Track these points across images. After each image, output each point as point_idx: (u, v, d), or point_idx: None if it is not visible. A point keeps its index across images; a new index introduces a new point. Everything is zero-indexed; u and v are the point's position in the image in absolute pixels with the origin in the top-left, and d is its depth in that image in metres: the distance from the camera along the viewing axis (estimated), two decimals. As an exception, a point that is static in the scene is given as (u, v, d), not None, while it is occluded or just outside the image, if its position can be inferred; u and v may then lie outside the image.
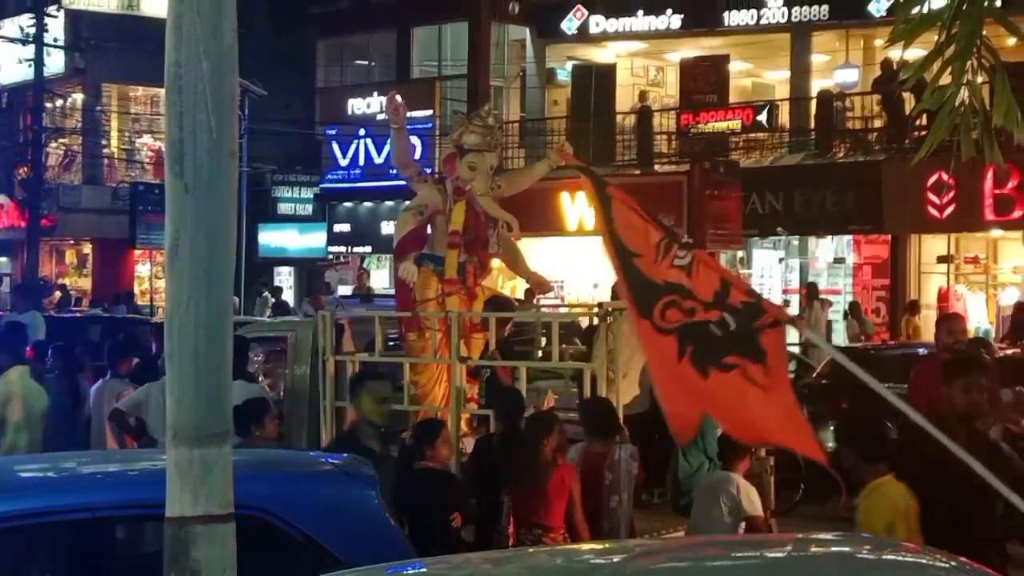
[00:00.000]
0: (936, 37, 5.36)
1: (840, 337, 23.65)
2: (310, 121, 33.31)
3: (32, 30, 31.67)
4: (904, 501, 5.91)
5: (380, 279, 29.58)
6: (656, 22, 28.00)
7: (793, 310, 22.26)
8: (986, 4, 5.36)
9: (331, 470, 5.99)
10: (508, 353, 9.78)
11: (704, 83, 26.41)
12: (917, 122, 20.65)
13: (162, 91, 4.39)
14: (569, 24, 29.01)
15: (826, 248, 25.64)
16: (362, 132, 30.41)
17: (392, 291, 13.68)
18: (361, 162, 30.55)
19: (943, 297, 23.06)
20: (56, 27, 32.97)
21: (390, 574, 4.24)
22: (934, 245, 23.54)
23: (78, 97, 36.28)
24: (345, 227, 31.78)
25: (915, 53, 5.77)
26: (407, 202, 10.96)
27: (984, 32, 5.36)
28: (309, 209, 33.74)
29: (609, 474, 8.00)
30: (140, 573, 5.36)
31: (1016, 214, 21.17)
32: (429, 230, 10.24)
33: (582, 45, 29.66)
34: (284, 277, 34.72)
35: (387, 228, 28.11)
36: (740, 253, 24.53)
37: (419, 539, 6.45)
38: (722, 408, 6.05)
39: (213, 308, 4.26)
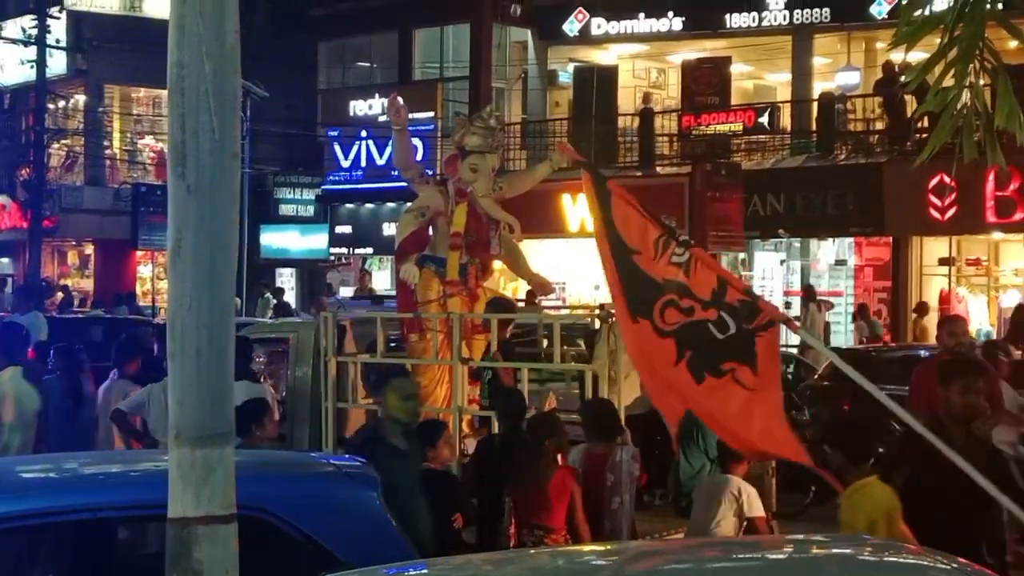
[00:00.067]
0: (938, 40, 5.36)
1: (841, 339, 23.68)
2: (312, 122, 33.33)
3: (34, 31, 31.70)
4: (888, 502, 5.91)
5: (382, 280, 29.59)
6: (657, 24, 28.00)
7: (794, 312, 22.28)
8: (988, 6, 5.37)
9: (332, 471, 5.99)
10: (510, 354, 9.78)
11: (706, 85, 26.41)
12: (918, 124, 20.64)
13: (164, 92, 4.39)
14: (571, 26, 29.02)
15: (827, 250, 25.64)
16: (364, 134, 30.42)
17: (394, 292, 13.68)
18: (363, 163, 30.56)
19: (944, 299, 23.04)
20: (58, 28, 32.98)
21: (391, 575, 4.24)
22: (935, 247, 23.53)
23: (80, 98, 36.28)
24: (347, 228, 31.78)
25: (917, 56, 5.78)
26: (409, 204, 10.97)
27: (986, 34, 5.37)
28: (311, 210, 33.76)
29: (611, 475, 7.99)
30: (142, 574, 5.36)
31: (1018, 216, 21.15)
32: (431, 232, 10.25)
33: (584, 47, 29.66)
34: (286, 278, 34.72)
35: (389, 229, 28.14)
36: (742, 255, 24.54)
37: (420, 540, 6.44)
38: (709, 414, 6.07)
39: (215, 309, 4.26)
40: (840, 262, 25.43)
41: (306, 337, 10.78)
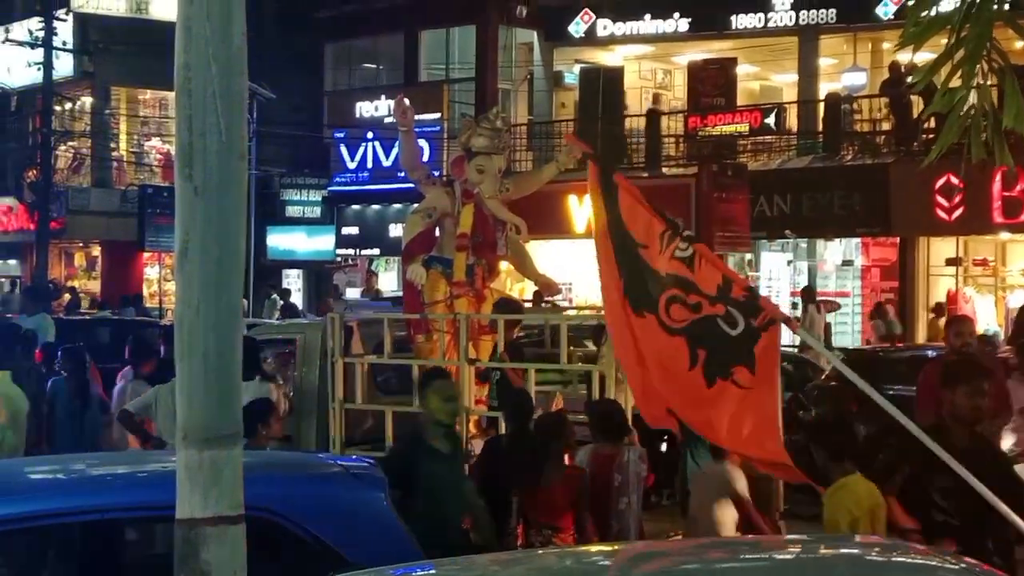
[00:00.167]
0: (945, 40, 5.36)
1: (848, 340, 23.64)
2: (318, 124, 33.35)
3: (41, 34, 31.73)
4: (870, 499, 5.90)
5: (388, 281, 29.60)
6: (663, 25, 28.00)
7: (799, 314, 22.25)
8: (995, 7, 5.37)
9: (339, 472, 5.99)
10: (517, 355, 9.78)
11: (712, 86, 26.41)
12: (925, 125, 20.62)
13: (171, 94, 4.40)
14: (576, 27, 29.02)
15: (834, 251, 25.61)
16: (370, 135, 30.44)
17: (401, 293, 13.69)
18: (369, 165, 30.58)
19: (952, 300, 23.02)
20: (65, 31, 33.01)
21: (398, 575, 4.24)
22: (943, 248, 23.51)
23: (87, 100, 36.33)
24: (353, 230, 31.80)
25: (924, 56, 5.78)
26: (415, 205, 10.98)
27: (993, 35, 5.37)
28: (317, 212, 33.77)
29: (618, 476, 7.99)
30: (150, 575, 5.37)
31: (1025, 216, 21.15)
32: (437, 233, 10.26)
33: (589, 48, 29.66)
34: (292, 280, 34.75)
35: (395, 231, 28.14)
36: (748, 256, 24.51)
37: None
38: (707, 421, 6.02)
39: (223, 310, 4.27)
40: (847, 263, 25.40)
41: (313, 338, 10.80)
